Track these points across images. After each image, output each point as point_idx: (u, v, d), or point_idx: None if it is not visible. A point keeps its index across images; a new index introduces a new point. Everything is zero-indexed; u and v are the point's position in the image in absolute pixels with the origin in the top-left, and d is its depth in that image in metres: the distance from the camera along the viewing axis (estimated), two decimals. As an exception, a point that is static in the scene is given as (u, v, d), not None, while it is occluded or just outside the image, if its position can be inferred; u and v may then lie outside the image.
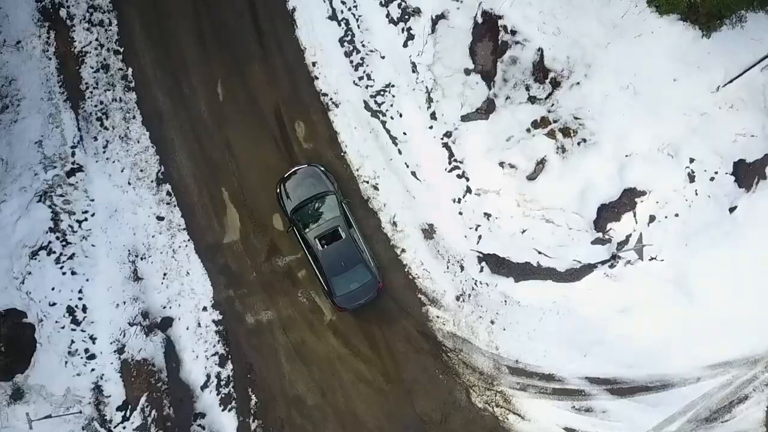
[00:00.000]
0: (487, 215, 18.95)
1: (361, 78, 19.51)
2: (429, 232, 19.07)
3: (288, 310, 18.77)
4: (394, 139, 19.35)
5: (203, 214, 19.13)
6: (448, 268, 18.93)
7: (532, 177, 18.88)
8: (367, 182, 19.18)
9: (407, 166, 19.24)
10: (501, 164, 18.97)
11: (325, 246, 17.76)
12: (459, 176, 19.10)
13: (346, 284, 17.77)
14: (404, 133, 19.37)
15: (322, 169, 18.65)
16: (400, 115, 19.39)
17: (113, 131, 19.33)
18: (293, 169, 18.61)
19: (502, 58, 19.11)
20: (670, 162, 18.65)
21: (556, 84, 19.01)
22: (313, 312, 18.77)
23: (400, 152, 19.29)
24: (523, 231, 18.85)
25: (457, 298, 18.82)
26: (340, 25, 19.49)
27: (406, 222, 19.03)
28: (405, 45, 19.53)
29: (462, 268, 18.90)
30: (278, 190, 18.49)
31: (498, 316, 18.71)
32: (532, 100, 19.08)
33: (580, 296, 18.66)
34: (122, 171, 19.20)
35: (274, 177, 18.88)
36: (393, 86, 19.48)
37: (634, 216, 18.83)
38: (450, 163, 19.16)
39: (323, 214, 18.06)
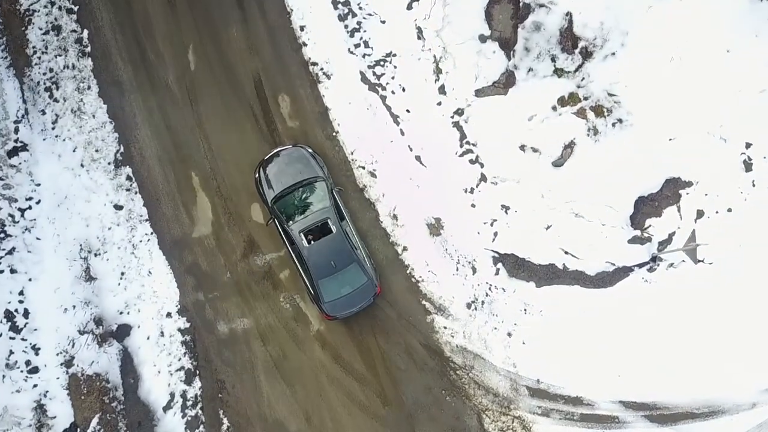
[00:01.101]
0: (505, 208, 16.03)
1: (357, 45, 16.61)
2: (435, 227, 16.15)
3: (268, 317, 15.86)
4: (395, 118, 16.44)
5: (169, 203, 16.20)
6: (457, 270, 16.03)
7: (558, 163, 15.97)
8: (363, 168, 16.26)
9: (411, 150, 16.33)
10: (522, 148, 16.06)
11: (312, 242, 14.85)
12: (472, 162, 16.19)
13: (336, 288, 14.86)
14: (407, 111, 16.46)
15: (310, 151, 15.73)
16: (403, 90, 16.49)
17: (64, 104, 16.38)
18: (275, 151, 15.69)
19: (523, 24, 16.22)
20: (722, 147, 15.76)
21: (587, 54, 16.10)
22: (298, 320, 15.86)
23: (402, 133, 16.37)
24: (548, 227, 15.94)
25: (468, 306, 15.92)
26: (333, -18, 16.60)
27: (409, 215, 16.13)
28: (409, 7, 16.65)
29: (474, 270, 16.00)
30: (257, 176, 15.56)
31: (516, 328, 15.82)
32: (558, 73, 16.17)
33: (613, 305, 15.79)
34: (74, 151, 16.26)
35: (253, 160, 15.97)
36: (395, 55, 16.60)
37: (678, 211, 15.93)
38: (461, 146, 16.25)
39: (310, 204, 15.13)
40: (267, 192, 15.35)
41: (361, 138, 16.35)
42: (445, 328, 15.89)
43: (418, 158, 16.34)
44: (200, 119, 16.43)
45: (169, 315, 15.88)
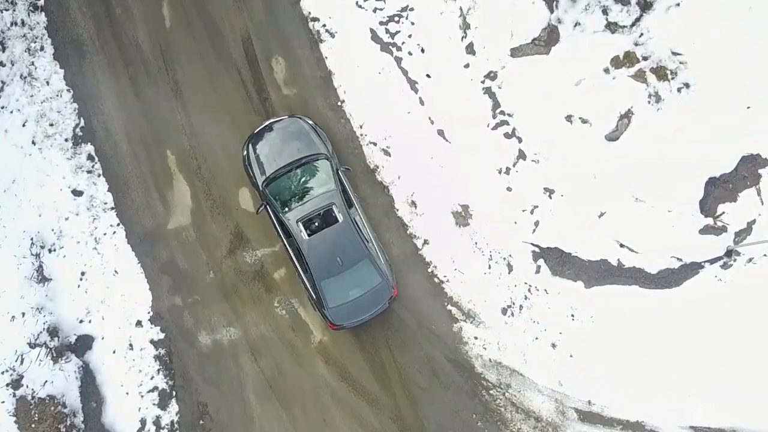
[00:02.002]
0: (548, 192, 13.18)
1: (366, -3, 13.78)
2: (463, 216, 13.31)
3: (259, 326, 13.04)
4: (413, 84, 13.57)
5: (139, 187, 13.38)
6: (490, 268, 13.19)
7: (612, 137, 13.10)
8: (375, 144, 13.41)
9: (432, 122, 13.47)
10: (568, 118, 13.19)
11: (313, 234, 12.02)
12: (507, 136, 13.32)
13: (343, 291, 12.03)
14: (428, 75, 13.59)
15: (310, 123, 12.87)
16: (422, 50, 13.63)
17: (12, 69, 13.54)
18: (267, 123, 12.84)
19: (568, -31, 13.34)
20: (814, 116, 12.88)
21: (646, 5, 13.22)
22: (296, 330, 13.04)
23: (421, 102, 13.51)
24: (600, 214, 13.08)
25: (504, 311, 13.09)
26: None
27: (431, 201, 13.30)
28: (429, -50, 13.76)
29: (510, 267, 13.16)
30: (245, 153, 12.70)
31: (561, 338, 12.99)
32: (611, 27, 13.29)
33: (679, 309, 12.96)
34: (24, 125, 13.42)
35: (241, 135, 13.12)
36: (412, 9, 13.74)
37: (758, 194, 13.06)
38: (494, 116, 13.38)
39: (311, 187, 12.29)
40: (257, 173, 12.49)
41: (372, 108, 13.51)
42: (476, 338, 13.06)
43: (441, 133, 13.48)
44: (177, 87, 13.57)
45: (139, 324, 13.05)
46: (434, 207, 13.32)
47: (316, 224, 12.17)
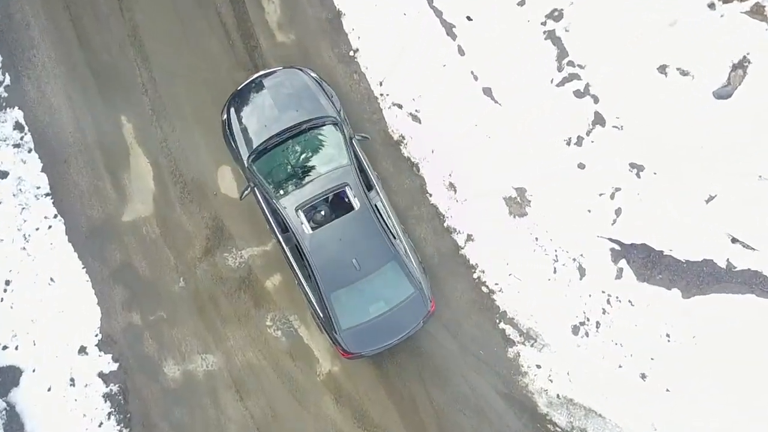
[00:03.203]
0: (636, 169, 9.79)
1: None
2: (518, 202, 9.92)
3: (246, 353, 9.66)
4: (449, 28, 10.19)
5: (84, 166, 10.01)
6: (555, 272, 9.80)
7: (723, 93, 9.69)
8: (400, 107, 10.04)
9: (475, 78, 10.08)
10: (662, 70, 9.80)
11: (319, 227, 8.60)
12: (579, 94, 9.93)
13: (361, 306, 8.63)
14: (468, 18, 10.24)
15: (313, 75, 9.46)
16: (462, -17, 10.23)
17: None
18: (255, 76, 9.44)
19: None
20: None
21: None
22: (296, 357, 9.67)
23: (461, 51, 10.13)
24: (708, 199, 9.69)
25: (575, 331, 9.72)
26: None
27: (475, 184, 9.93)
28: None
29: (582, 271, 9.78)
30: (225, 118, 9.30)
31: (654, 365, 9.62)
32: (716, -52, 9.90)
33: (811, 326, 9.55)
34: (-71, 84, 10.03)
35: (221, 95, 9.74)
36: (447, -72, 10.31)
37: None
38: (560, 69, 10.00)
39: (315, 164, 8.89)
40: (241, 145, 9.07)
41: (395, 60, 10.13)
42: (538, 367, 9.68)
43: (487, 92, 10.09)
44: (136, 33, 10.19)
45: (83, 351, 9.67)
46: (480, 191, 9.94)
47: (323, 213, 8.78)
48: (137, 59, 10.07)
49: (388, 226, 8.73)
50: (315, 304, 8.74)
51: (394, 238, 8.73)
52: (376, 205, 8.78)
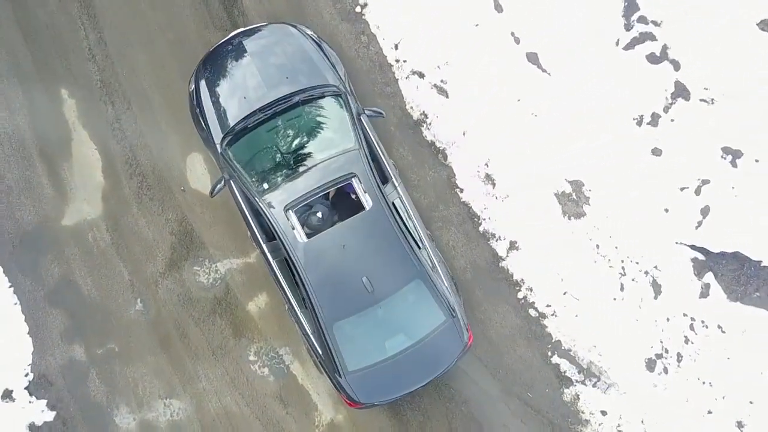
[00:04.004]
0: (729, 155, 7.54)
1: None
2: (575, 200, 7.69)
3: (222, 397, 7.41)
4: (483, -24, 7.92)
5: (13, 155, 7.72)
6: (622, 288, 7.57)
7: (844, 57, 7.42)
8: (421, 77, 7.80)
9: (516, 41, 7.85)
10: (765, 25, 7.52)
11: (316, 234, 6.34)
12: (653, 59, 7.67)
13: (374, 340, 6.39)
14: (507, -38, 7.94)
15: (309, 33, 7.19)
16: None
17: None
18: (233, 34, 7.18)
19: None
20: None
21: None
22: (288, 402, 7.41)
23: (498, 7, 7.89)
24: (827, 194, 7.42)
25: (650, 365, 7.49)
26: None
27: (519, 175, 7.69)
28: None
29: (657, 288, 7.56)
30: (193, 88, 7.03)
31: (753, 410, 7.39)
32: None
33: None
34: None
35: (189, 61, 7.49)
36: None
37: None
38: (628, 26, 7.76)
39: (311, 149, 6.60)
40: (213, 123, 6.79)
41: (416, 18, 7.88)
42: (604, 413, 7.44)
43: (532, 58, 7.84)
44: (81, -17, 7.93)
45: (8, 396, 7.42)
46: (525, 184, 7.70)
47: (321, 215, 6.54)
48: (82, 16, 7.82)
49: (409, 232, 6.47)
50: (312, 337, 6.48)
51: (419, 247, 6.47)
52: (393, 203, 6.52)
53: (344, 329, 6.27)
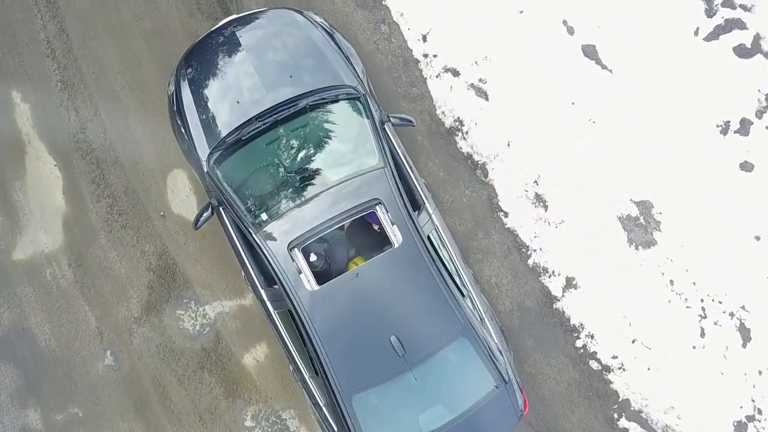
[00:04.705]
0: (844, 170, 6.08)
1: None
2: (643, 224, 6.26)
3: (211, 475, 5.98)
4: (529, -49, 6.48)
5: (-45, 172, 6.30)
6: (703, 333, 6.16)
7: None
8: (455, 74, 6.36)
9: (570, 31, 6.45)
10: None
11: (329, 280, 4.89)
12: (742, 51, 6.24)
13: (404, 416, 4.93)
14: (557, -63, 6.50)
15: (319, 21, 5.73)
16: None
17: None
18: (224, 21, 5.72)
19: None
20: None
21: None
22: (293, 481, 5.99)
23: (549, -13, 6.43)
24: None
25: (740, 431, 6.03)
26: None
27: (577, 195, 6.25)
28: None
29: (745, 333, 6.14)
30: (173, 90, 5.58)
31: None
32: None
33: None
34: None
35: (170, 56, 6.06)
36: None
37: None
38: (711, 11, 6.35)
39: (319, 166, 5.17)
40: (197, 135, 5.35)
41: (447, 4, 6.44)
42: (684, 490, 6.01)
43: (589, 51, 6.42)
44: (39, -38, 6.48)
45: (-55, 473, 5.99)
46: (583, 206, 6.27)
47: (336, 255, 5.11)
48: (39, 1, 6.38)
49: (450, 274, 5.03)
50: (325, 410, 5.04)
51: (462, 295, 5.03)
52: (429, 237, 5.09)
53: (367, 402, 4.84)
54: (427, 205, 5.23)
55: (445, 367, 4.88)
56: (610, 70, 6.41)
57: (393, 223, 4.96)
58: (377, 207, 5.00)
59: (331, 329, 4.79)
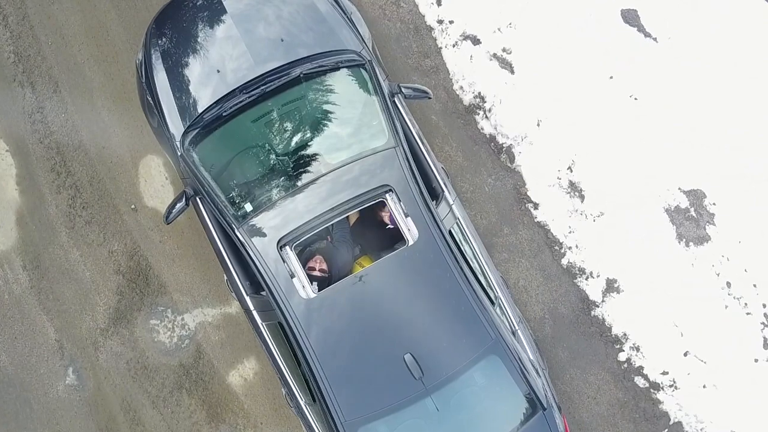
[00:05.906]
0: None
1: None
2: (694, 217, 5.36)
3: None
4: None
5: None
6: (766, 344, 5.22)
7: None
8: (476, 43, 5.44)
9: (609, -8, 5.50)
10: None
11: (328, 286, 4.00)
12: (816, 12, 5.32)
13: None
14: None
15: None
16: None
17: None
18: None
19: None
20: None
21: None
22: None
23: (583, -57, 5.52)
24: None
25: (814, 459, 5.13)
26: None
27: (617, 183, 5.35)
28: None
29: (821, 345, 5.20)
30: (141, 58, 4.69)
31: None
32: None
33: None
34: None
35: (140, 24, 5.15)
36: None
37: None
38: (777, -34, 5.39)
39: (317, 148, 4.26)
40: (169, 110, 4.46)
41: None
42: None
43: (630, 17, 5.53)
44: None
45: None
46: (625, 196, 5.38)
47: (338, 253, 4.21)
48: (-10, -39, 5.48)
49: (476, 277, 4.13)
50: (321, 442, 4.14)
51: (492, 303, 4.13)
52: (450, 231, 4.18)
53: (378, 434, 3.93)
54: (447, 193, 4.33)
55: (472, 391, 3.97)
56: (655, 39, 5.52)
57: (407, 215, 4.06)
58: (387, 195, 4.10)
59: (331, 346, 3.88)
